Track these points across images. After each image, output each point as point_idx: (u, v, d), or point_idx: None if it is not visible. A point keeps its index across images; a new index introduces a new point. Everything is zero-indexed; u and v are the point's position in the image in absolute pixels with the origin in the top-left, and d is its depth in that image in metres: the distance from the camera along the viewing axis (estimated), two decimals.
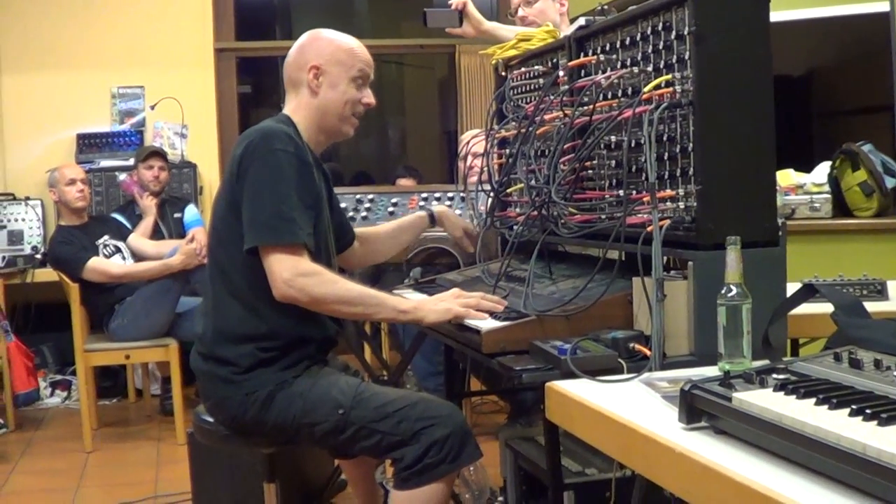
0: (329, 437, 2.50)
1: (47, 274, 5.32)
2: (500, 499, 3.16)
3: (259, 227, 2.43)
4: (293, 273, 2.40)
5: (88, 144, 6.22)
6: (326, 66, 2.61)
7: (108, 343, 4.88)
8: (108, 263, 4.96)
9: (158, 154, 5.60)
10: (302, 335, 2.55)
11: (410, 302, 2.51)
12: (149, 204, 5.46)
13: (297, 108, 2.65)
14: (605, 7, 2.48)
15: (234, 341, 2.52)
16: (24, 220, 5.92)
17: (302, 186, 2.48)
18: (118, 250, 5.16)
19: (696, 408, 1.46)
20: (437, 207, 3.12)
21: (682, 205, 2.08)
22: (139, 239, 5.28)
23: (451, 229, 3.08)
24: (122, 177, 5.82)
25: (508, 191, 2.82)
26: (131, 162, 5.72)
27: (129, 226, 5.39)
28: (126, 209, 5.60)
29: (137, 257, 5.16)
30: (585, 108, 2.36)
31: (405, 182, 6.21)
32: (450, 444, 2.38)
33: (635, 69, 2.23)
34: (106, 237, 5.16)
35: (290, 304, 2.45)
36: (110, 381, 5.97)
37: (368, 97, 2.67)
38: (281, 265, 2.41)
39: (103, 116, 6.41)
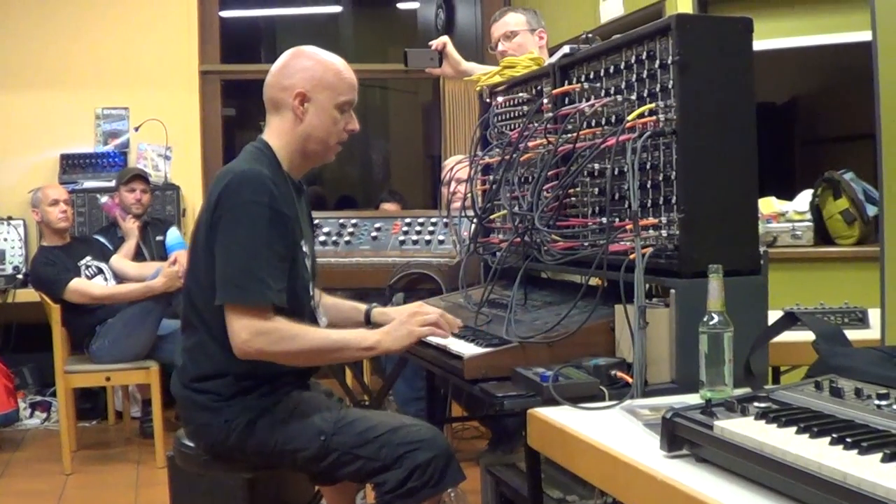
0: (311, 463, 2.48)
1: (28, 294, 5.29)
2: None
3: (227, 285, 2.37)
4: (250, 333, 2.35)
5: (72, 165, 6.19)
6: (313, 93, 2.50)
7: (89, 365, 4.84)
8: (89, 285, 4.93)
9: (140, 177, 5.57)
10: (280, 369, 2.50)
11: (373, 336, 2.47)
12: (131, 227, 5.43)
13: (279, 133, 2.55)
14: (590, 35, 2.50)
15: (214, 377, 2.50)
16: (6, 240, 5.89)
17: (275, 238, 2.40)
18: (100, 271, 5.13)
19: (677, 436, 1.46)
20: (376, 309, 2.82)
21: (664, 233, 2.09)
22: (121, 260, 5.24)
23: None
24: (104, 199, 5.80)
25: (492, 217, 2.82)
26: (114, 183, 5.71)
27: (111, 247, 5.37)
28: (108, 231, 5.57)
29: (119, 279, 5.14)
30: (569, 135, 2.37)
31: (389, 206, 6.21)
32: (433, 468, 2.37)
33: (619, 97, 2.25)
34: (88, 258, 5.13)
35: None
36: (90, 402, 5.92)
37: (353, 123, 2.58)
38: (240, 324, 2.35)
39: (87, 137, 6.39)
